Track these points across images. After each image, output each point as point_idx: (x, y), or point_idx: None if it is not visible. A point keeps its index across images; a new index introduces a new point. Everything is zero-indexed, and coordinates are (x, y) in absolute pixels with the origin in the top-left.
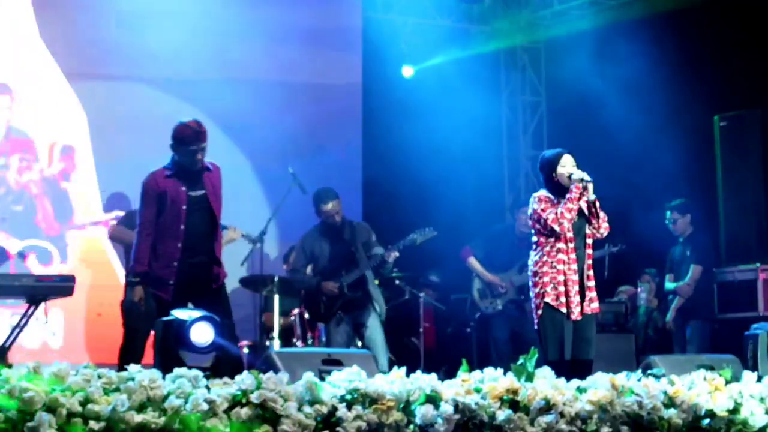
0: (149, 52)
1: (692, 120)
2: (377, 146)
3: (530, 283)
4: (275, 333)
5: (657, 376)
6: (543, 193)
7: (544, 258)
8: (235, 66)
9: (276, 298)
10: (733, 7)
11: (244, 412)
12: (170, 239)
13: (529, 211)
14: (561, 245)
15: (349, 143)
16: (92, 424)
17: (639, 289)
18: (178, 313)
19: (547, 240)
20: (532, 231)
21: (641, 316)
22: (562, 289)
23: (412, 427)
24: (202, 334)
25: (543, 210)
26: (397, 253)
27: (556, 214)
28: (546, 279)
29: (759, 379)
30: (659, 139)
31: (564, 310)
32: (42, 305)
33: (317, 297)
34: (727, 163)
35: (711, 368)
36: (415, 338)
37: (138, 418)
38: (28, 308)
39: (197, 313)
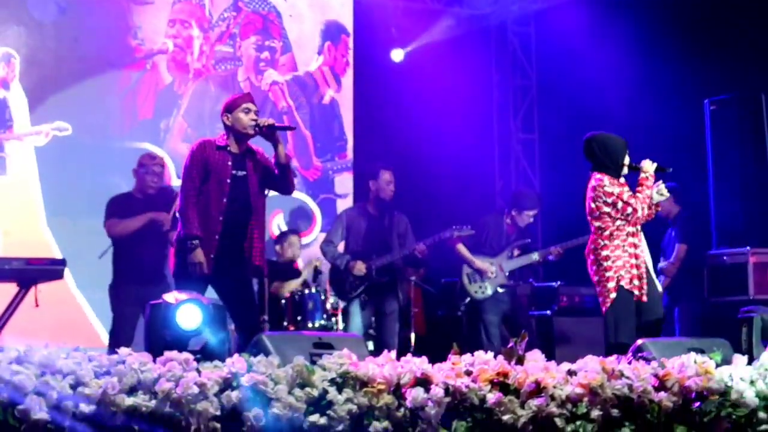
0: None
1: (682, 104)
2: (367, 130)
3: (596, 268)
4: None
5: (647, 359)
6: (608, 177)
7: (616, 242)
8: None
9: (266, 281)
10: None
11: (235, 395)
12: (213, 211)
13: (599, 194)
14: (630, 229)
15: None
16: (83, 407)
17: None
18: (167, 296)
19: (616, 225)
20: (596, 214)
21: None
22: (635, 272)
23: (402, 410)
24: (190, 317)
25: (620, 194)
26: (425, 247)
27: (639, 199)
28: (620, 263)
29: (750, 362)
30: (650, 123)
31: (637, 292)
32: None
33: (344, 275)
34: (717, 147)
35: (701, 351)
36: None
37: (129, 401)
38: (18, 291)
39: (184, 296)
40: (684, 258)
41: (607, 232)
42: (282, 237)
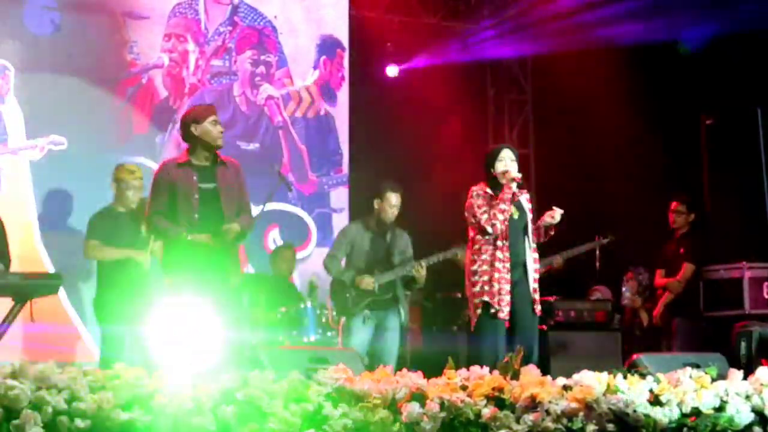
0: None
1: (678, 118)
2: (362, 144)
3: (466, 282)
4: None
5: (643, 374)
6: (482, 187)
7: (483, 256)
8: None
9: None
10: None
11: (230, 410)
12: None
13: (467, 203)
14: (498, 243)
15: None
16: (78, 422)
17: (623, 289)
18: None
19: (482, 237)
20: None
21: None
22: (496, 287)
23: (398, 425)
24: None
25: (479, 206)
26: (423, 269)
27: (489, 214)
28: (485, 278)
29: (745, 376)
30: (645, 138)
31: (495, 309)
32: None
33: (347, 291)
34: (713, 161)
35: (697, 366)
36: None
37: (124, 416)
38: (14, 306)
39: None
40: (689, 277)
41: (474, 245)
42: (274, 252)
